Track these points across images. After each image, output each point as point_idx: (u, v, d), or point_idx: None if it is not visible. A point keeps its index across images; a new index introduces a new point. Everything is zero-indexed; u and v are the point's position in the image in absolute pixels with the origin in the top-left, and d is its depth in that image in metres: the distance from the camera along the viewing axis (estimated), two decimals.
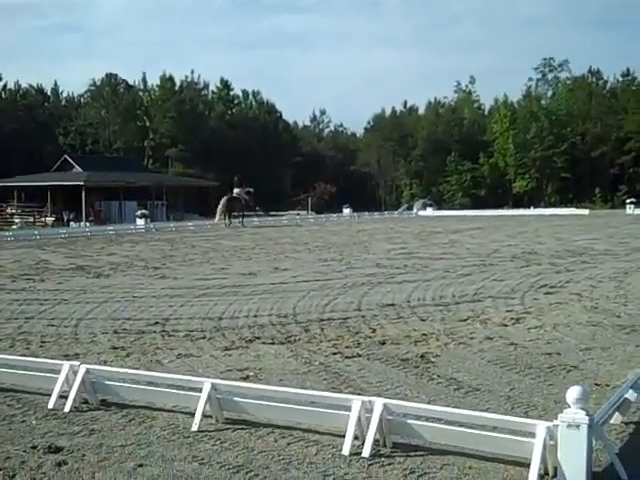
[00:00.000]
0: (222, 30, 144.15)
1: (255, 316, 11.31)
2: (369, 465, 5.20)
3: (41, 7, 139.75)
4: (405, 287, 14.34)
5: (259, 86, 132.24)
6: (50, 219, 54.25)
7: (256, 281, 15.71)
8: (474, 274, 16.28)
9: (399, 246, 24.80)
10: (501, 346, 8.97)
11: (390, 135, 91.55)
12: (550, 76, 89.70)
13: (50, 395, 6.66)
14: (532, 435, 4.93)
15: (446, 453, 5.37)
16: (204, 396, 6.03)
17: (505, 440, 5.11)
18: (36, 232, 36.16)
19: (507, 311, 11.42)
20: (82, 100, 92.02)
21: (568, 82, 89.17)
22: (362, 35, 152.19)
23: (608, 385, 7.10)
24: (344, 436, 5.48)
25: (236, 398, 6.11)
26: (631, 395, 5.97)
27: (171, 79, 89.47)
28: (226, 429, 5.99)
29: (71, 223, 52.25)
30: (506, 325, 10.32)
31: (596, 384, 7.16)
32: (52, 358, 7.96)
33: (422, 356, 8.41)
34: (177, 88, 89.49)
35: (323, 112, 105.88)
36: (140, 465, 5.23)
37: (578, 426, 4.74)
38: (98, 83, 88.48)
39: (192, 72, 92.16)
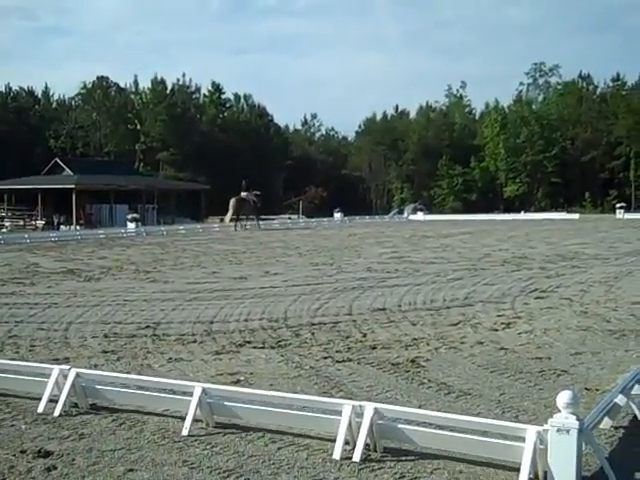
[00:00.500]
0: (213, 34, 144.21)
1: (246, 320, 11.30)
2: (359, 470, 5.20)
3: (31, 10, 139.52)
4: (396, 291, 14.35)
5: (250, 90, 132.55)
6: (40, 222, 54.10)
7: (247, 285, 15.70)
8: (465, 278, 16.30)
9: (390, 250, 24.81)
10: (492, 350, 8.98)
11: (381, 139, 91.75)
12: (541, 81, 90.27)
13: (40, 399, 6.63)
14: (522, 439, 4.94)
15: (437, 457, 5.38)
16: (195, 400, 6.02)
17: (495, 444, 5.12)
18: (26, 235, 36.07)
19: (498, 316, 11.44)
20: (73, 103, 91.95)
21: (559, 87, 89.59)
22: (353, 39, 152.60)
23: (598, 390, 7.11)
24: (335, 440, 5.48)
25: (227, 402, 6.10)
26: (621, 400, 5.98)
27: (162, 82, 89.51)
28: (217, 433, 5.99)
29: (61, 226, 52.16)
30: (497, 330, 10.33)
31: (586, 389, 7.18)
32: (42, 362, 7.92)
33: (413, 360, 8.41)
34: (168, 91, 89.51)
35: (314, 116, 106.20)
36: (130, 470, 5.22)
37: (568, 431, 4.75)
38: (89, 86, 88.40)
39: (184, 75, 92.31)
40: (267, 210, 55.78)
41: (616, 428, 6.05)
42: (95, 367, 8.05)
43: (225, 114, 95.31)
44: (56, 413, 6.47)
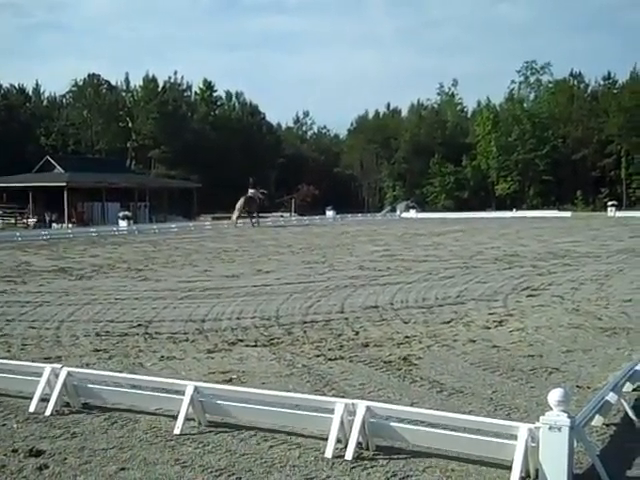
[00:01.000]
0: (205, 31, 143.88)
1: (238, 318, 11.29)
2: (352, 468, 5.21)
3: (21, 6, 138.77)
4: (388, 289, 14.36)
5: (242, 87, 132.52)
6: (32, 220, 53.84)
7: (239, 283, 15.69)
8: (457, 276, 16.33)
9: (382, 248, 24.84)
10: (484, 348, 9.00)
11: (373, 137, 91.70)
12: (532, 79, 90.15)
13: (31, 398, 6.61)
14: (514, 437, 4.95)
15: (429, 455, 5.39)
16: (187, 399, 6.01)
17: (487, 442, 5.13)
18: (17, 234, 35.97)
19: (490, 314, 11.46)
20: (64, 100, 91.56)
21: (550, 85, 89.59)
22: (345, 37, 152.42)
23: (589, 387, 7.14)
24: (327, 439, 5.48)
25: (219, 401, 6.10)
26: (612, 397, 6.00)
27: (154, 80, 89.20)
28: (209, 432, 5.98)
29: (53, 224, 51.92)
30: (489, 327, 10.36)
31: (577, 386, 7.21)
32: (33, 361, 7.91)
33: (405, 358, 8.43)
34: (160, 89, 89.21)
35: (306, 114, 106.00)
36: (122, 468, 5.21)
37: (559, 428, 4.76)
38: (80, 83, 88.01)
39: (175, 73, 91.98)
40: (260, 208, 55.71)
41: (607, 425, 6.07)
42: (87, 366, 8.03)
43: (217, 112, 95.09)
44: (48, 412, 6.45)
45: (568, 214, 56.01)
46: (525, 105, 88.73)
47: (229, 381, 7.46)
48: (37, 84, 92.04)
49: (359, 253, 23.15)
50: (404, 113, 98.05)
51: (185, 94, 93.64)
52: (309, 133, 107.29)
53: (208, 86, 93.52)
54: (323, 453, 5.43)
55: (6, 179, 58.65)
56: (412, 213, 61.01)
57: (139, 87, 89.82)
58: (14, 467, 5.26)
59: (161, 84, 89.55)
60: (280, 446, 5.65)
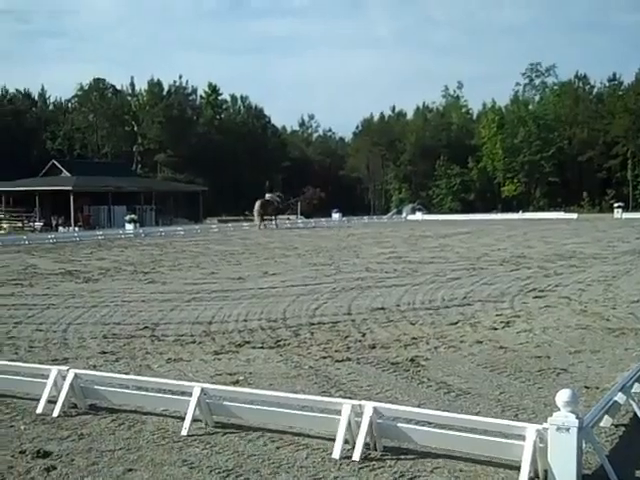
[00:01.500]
0: (210, 35, 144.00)
1: (245, 320, 11.29)
2: (359, 469, 5.19)
3: (25, 12, 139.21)
4: (395, 291, 14.34)
5: (247, 91, 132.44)
6: (38, 224, 53.95)
7: (246, 285, 15.69)
8: (464, 278, 16.30)
9: (388, 250, 24.82)
10: (491, 349, 8.98)
11: (379, 140, 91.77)
12: (537, 81, 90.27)
13: (39, 400, 6.62)
14: (522, 438, 4.93)
15: (436, 456, 5.37)
16: (194, 400, 6.00)
17: (495, 443, 5.11)
18: (24, 237, 36.05)
19: (497, 315, 11.43)
20: (70, 105, 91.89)
21: (555, 87, 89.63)
22: (350, 40, 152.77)
23: (597, 388, 7.11)
24: (334, 440, 5.47)
25: (226, 402, 6.09)
26: (620, 398, 5.98)
27: (159, 84, 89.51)
28: (216, 433, 5.97)
29: (60, 228, 52.04)
30: (496, 329, 10.33)
31: (585, 387, 7.18)
32: (41, 363, 7.91)
33: (412, 360, 8.41)
34: (165, 93, 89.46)
35: (312, 117, 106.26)
36: (129, 470, 5.21)
37: (568, 429, 4.74)
38: (86, 88, 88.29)
39: (180, 77, 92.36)
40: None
41: (616, 426, 6.04)
42: (94, 368, 8.03)
43: (222, 116, 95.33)
44: (55, 414, 6.45)
45: (574, 216, 55.91)
46: (530, 107, 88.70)
47: (236, 383, 7.45)
48: (43, 89, 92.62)
49: (365, 255, 23.13)
50: (409, 115, 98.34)
51: (190, 98, 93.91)
52: (314, 136, 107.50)
53: (213, 90, 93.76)
54: (331, 454, 5.41)
55: (13, 183, 58.83)
56: (418, 215, 61.02)
57: (144, 91, 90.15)
58: (22, 468, 5.26)
59: (166, 88, 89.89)
60: (288, 447, 5.64)
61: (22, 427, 6.20)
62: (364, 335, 9.98)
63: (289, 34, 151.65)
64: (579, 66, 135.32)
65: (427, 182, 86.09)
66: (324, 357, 8.65)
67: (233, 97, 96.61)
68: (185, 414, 6.01)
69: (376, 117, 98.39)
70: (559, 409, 4.84)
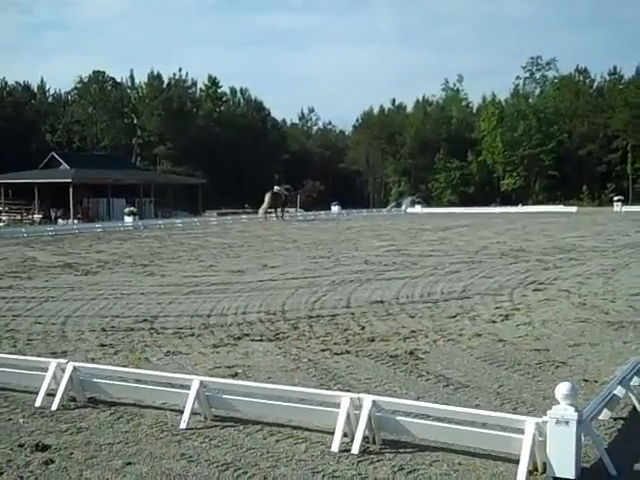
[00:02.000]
0: (211, 28, 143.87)
1: (244, 313, 11.28)
2: (358, 462, 5.19)
3: (26, 4, 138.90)
4: (394, 284, 14.34)
5: (247, 84, 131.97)
6: (38, 216, 53.96)
7: (245, 278, 15.68)
8: (463, 271, 16.30)
9: (388, 243, 24.81)
10: (490, 343, 8.97)
11: (379, 133, 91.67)
12: (538, 75, 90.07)
13: (37, 393, 6.61)
14: (521, 431, 4.92)
15: (435, 449, 5.36)
16: (192, 393, 5.99)
17: (494, 436, 5.10)
18: (23, 230, 36.02)
19: (496, 308, 11.43)
20: (69, 97, 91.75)
21: (555, 81, 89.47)
22: (350, 33, 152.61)
23: (596, 381, 7.10)
24: (333, 433, 5.46)
25: (225, 395, 6.08)
26: (619, 391, 5.97)
27: (159, 77, 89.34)
28: (215, 426, 5.97)
29: (59, 220, 52.06)
30: (495, 322, 10.33)
31: (585, 380, 7.17)
32: (39, 356, 7.91)
33: (411, 353, 8.40)
34: (165, 86, 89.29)
35: (312, 110, 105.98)
36: (128, 463, 5.20)
37: (567, 422, 4.73)
38: (85, 80, 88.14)
39: (180, 70, 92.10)
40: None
41: (615, 419, 6.04)
42: (93, 361, 8.02)
43: (222, 108, 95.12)
44: (54, 407, 6.44)
45: (574, 209, 55.89)
46: (530, 100, 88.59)
47: (235, 375, 7.45)
48: (42, 81, 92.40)
49: (364, 248, 23.13)
50: (409, 109, 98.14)
51: (190, 91, 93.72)
52: (314, 129, 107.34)
53: (213, 83, 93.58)
54: (329, 447, 5.41)
55: (12, 175, 58.81)
56: (417, 208, 60.97)
57: (144, 84, 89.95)
58: (20, 462, 5.25)
59: (166, 81, 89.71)
60: (286, 440, 5.63)
61: (21, 420, 6.20)
62: (363, 328, 9.98)
63: (289, 28, 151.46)
64: (580, 60, 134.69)
65: (426, 175, 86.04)
66: (323, 350, 8.64)
67: (233, 90, 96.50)
68: (184, 407, 6.00)
69: (376, 110, 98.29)
70: (558, 402, 4.83)
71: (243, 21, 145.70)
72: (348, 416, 5.46)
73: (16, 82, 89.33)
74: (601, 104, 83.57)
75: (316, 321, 10.55)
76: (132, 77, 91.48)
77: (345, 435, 5.45)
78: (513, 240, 25.40)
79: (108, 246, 26.02)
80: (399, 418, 5.48)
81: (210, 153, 79.15)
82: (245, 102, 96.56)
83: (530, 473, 4.85)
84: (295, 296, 12.97)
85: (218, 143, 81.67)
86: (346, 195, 73.31)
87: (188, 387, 6.06)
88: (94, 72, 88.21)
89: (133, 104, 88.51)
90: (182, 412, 6.00)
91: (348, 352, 8.52)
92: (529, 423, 4.90)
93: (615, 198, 56.57)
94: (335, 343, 9.02)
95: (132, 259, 20.47)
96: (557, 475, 4.78)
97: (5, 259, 21.10)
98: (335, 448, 5.37)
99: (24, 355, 8.01)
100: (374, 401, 5.47)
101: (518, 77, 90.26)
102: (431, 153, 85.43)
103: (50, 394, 6.56)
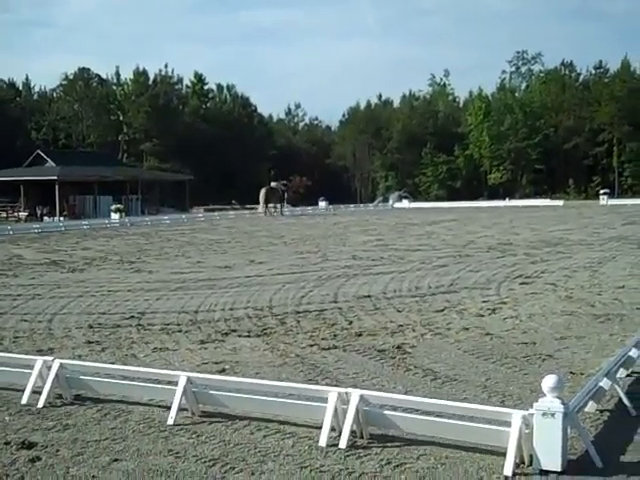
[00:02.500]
0: (196, 24, 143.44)
1: (231, 309, 11.26)
2: (346, 456, 5.19)
3: (8, 2, 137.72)
4: (381, 279, 14.35)
5: (233, 80, 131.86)
6: (23, 214, 53.66)
7: (232, 274, 15.66)
8: (450, 265, 16.33)
9: (375, 238, 24.84)
10: (477, 336, 9.00)
11: (365, 128, 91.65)
12: (524, 69, 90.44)
13: (23, 391, 6.58)
14: (508, 424, 4.94)
15: (423, 443, 5.37)
16: (180, 389, 5.98)
17: (481, 429, 5.12)
18: (9, 227, 35.80)
19: (483, 301, 11.46)
20: (55, 94, 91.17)
21: (541, 75, 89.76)
22: (336, 28, 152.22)
23: (583, 374, 7.14)
24: (321, 428, 5.46)
25: (212, 391, 6.08)
26: (605, 383, 6.00)
27: (145, 73, 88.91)
28: (202, 422, 5.96)
29: (45, 218, 51.79)
30: (482, 315, 10.35)
31: (571, 373, 7.20)
32: (26, 353, 7.87)
33: (398, 347, 8.41)
34: (151, 82, 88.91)
35: (298, 105, 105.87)
36: (115, 460, 5.18)
37: (553, 414, 4.75)
38: (71, 77, 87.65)
39: (166, 66, 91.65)
40: (252, 200, 55.73)
41: (601, 411, 6.06)
42: (79, 358, 7.99)
43: (208, 105, 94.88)
44: (40, 404, 6.42)
45: (560, 203, 56.15)
46: (517, 94, 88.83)
47: (222, 371, 7.44)
48: (27, 79, 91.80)
49: (352, 243, 23.14)
50: (396, 104, 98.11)
51: (176, 87, 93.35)
52: (301, 125, 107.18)
53: (199, 79, 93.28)
54: (317, 442, 5.41)
55: None
56: (405, 203, 61.08)
57: (130, 80, 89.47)
58: (6, 459, 5.22)
59: (152, 77, 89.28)
60: (274, 435, 5.63)
61: (7, 418, 6.17)
62: (350, 323, 9.99)
63: (274, 24, 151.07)
64: (565, 54, 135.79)
65: (413, 170, 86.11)
66: (310, 345, 8.64)
67: (219, 86, 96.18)
68: (171, 403, 5.99)
69: (363, 105, 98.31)
70: (545, 395, 4.85)
71: (229, 18, 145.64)
72: (336, 411, 5.46)
73: (0, 79, 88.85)
74: (587, 98, 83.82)
75: (303, 316, 10.55)
76: (118, 74, 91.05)
77: (333, 430, 5.45)
78: (500, 234, 25.49)
79: (95, 243, 25.92)
80: (387, 412, 5.49)
81: (197, 150, 78.90)
82: (231, 98, 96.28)
83: (517, 466, 4.87)
84: (282, 291, 12.96)
85: (205, 139, 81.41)
86: (333, 190, 73.28)
87: (175, 383, 6.05)
88: (79, 69, 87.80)
89: (119, 101, 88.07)
90: (169, 408, 5.99)
91: (336, 347, 8.52)
92: (516, 416, 4.91)
93: (601, 191, 56.87)
94: (323, 338, 9.02)
95: (119, 256, 20.41)
96: (543, 467, 4.80)
97: None
98: (323, 443, 5.37)
99: (10, 353, 7.96)
100: (361, 395, 5.48)
101: (504, 71, 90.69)
102: (418, 148, 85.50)
103: (36, 392, 6.53)
